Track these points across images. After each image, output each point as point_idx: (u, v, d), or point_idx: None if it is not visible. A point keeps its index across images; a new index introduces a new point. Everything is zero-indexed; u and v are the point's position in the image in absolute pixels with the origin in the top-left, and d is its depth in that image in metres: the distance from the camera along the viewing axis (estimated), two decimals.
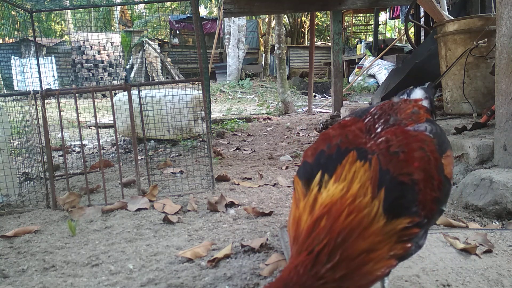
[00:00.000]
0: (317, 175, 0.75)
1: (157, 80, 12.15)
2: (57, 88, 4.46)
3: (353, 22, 16.61)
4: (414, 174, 0.73)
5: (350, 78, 11.29)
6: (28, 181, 2.88)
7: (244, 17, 12.58)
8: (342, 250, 0.65)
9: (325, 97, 9.86)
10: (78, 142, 4.44)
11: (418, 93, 1.06)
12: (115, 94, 4.22)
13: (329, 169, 0.75)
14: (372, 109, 0.96)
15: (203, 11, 20.81)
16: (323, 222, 0.66)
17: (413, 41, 6.61)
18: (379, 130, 0.85)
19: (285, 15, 17.64)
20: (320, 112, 6.70)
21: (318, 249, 0.65)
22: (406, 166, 0.73)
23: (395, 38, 14.29)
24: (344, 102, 5.30)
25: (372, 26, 13.57)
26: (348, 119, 0.93)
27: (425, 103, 1.01)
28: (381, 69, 10.11)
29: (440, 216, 0.91)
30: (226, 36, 13.55)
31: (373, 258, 0.67)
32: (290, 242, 0.72)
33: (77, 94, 2.33)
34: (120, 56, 12.77)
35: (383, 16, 16.34)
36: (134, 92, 2.47)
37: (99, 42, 12.08)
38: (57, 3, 3.47)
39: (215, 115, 6.57)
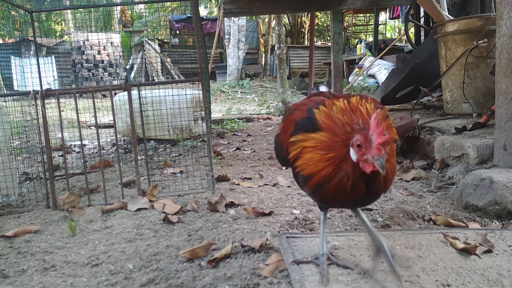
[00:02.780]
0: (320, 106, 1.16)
1: (157, 80, 12.15)
2: (57, 88, 4.47)
3: (353, 22, 16.58)
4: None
5: (350, 78, 11.28)
6: (28, 181, 2.88)
7: (244, 17, 12.57)
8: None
9: None
10: (78, 142, 4.44)
11: (323, 88, 1.54)
12: (115, 94, 4.22)
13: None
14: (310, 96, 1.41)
15: (203, 11, 20.82)
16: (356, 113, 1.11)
17: (413, 41, 6.61)
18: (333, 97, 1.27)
19: (285, 15, 17.63)
20: None
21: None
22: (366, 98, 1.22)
23: (395, 38, 14.28)
24: None
25: (372, 26, 13.56)
26: (305, 100, 1.36)
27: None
28: (381, 69, 10.09)
29: None
30: (226, 36, 13.54)
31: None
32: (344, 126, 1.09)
33: (77, 94, 2.33)
34: (120, 56, 12.76)
35: (383, 16, 16.33)
36: (134, 92, 2.47)
37: (99, 42, 12.07)
38: (57, 3, 3.47)
39: (215, 115, 6.56)
